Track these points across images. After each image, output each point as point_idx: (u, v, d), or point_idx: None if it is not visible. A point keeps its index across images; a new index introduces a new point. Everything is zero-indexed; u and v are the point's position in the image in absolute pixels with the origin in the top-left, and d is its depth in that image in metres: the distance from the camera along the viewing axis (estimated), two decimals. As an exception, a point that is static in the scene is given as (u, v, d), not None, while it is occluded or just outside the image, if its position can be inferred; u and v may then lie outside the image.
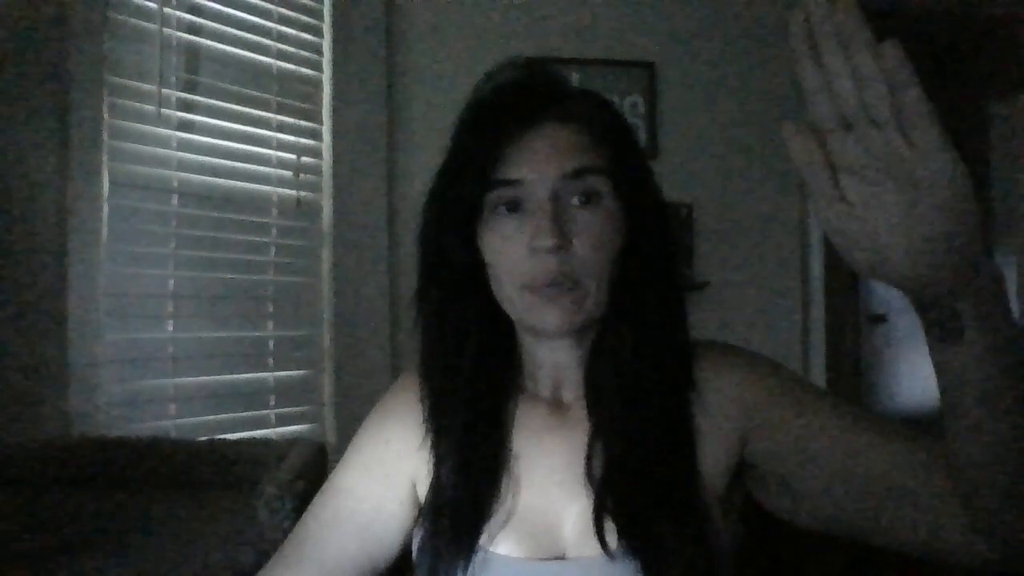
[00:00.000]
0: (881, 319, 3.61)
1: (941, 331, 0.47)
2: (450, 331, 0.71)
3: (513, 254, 0.66)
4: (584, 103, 0.70)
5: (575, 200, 0.66)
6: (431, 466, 0.72)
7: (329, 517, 0.73)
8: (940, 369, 0.50)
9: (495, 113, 0.68)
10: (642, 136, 2.22)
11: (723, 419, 0.69)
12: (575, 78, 2.10)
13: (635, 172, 0.70)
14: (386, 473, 0.74)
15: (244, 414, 1.69)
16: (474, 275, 0.70)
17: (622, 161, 0.69)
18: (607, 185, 0.67)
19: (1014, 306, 3.50)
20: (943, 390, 0.51)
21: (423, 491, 0.73)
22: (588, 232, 0.65)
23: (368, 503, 0.73)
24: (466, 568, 0.66)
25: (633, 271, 0.68)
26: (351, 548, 0.72)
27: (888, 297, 3.59)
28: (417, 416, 0.74)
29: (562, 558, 0.67)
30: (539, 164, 0.65)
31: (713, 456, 0.68)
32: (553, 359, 0.73)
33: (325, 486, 0.76)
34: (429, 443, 0.72)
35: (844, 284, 3.36)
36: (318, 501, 0.75)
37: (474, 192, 0.67)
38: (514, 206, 0.66)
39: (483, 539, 0.67)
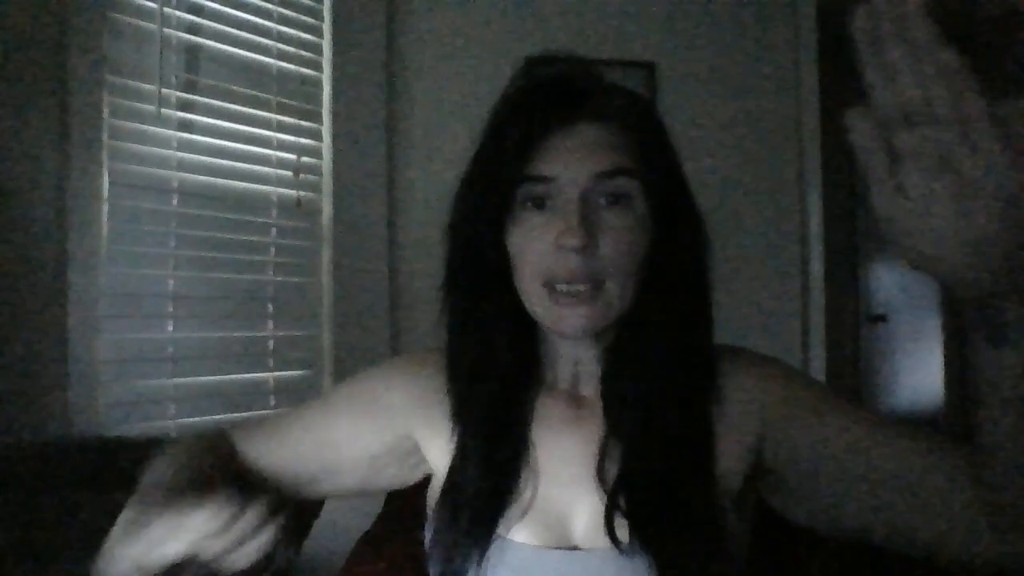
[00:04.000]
0: (881, 319, 3.60)
1: (987, 333, 0.47)
2: (478, 325, 0.71)
3: (538, 250, 0.66)
4: (619, 101, 0.69)
5: (603, 200, 0.65)
6: (452, 455, 0.72)
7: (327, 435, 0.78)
8: (979, 372, 0.49)
9: (529, 107, 0.67)
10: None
11: (741, 422, 0.68)
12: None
13: (667, 173, 0.69)
14: (377, 419, 0.78)
15: (244, 414, 1.69)
16: (501, 269, 0.69)
17: (654, 162, 0.68)
18: (637, 187, 0.66)
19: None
20: (978, 394, 0.50)
21: (434, 457, 0.74)
22: (614, 232, 0.65)
23: (354, 441, 0.77)
24: (482, 555, 0.66)
25: (660, 273, 0.68)
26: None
27: (888, 297, 3.58)
28: (424, 384, 0.76)
29: (575, 548, 0.67)
30: (572, 163, 0.65)
31: (729, 459, 0.68)
32: (573, 354, 0.73)
33: (318, 405, 0.81)
34: (452, 432, 0.73)
35: (844, 284, 3.36)
36: (309, 415, 0.80)
37: (505, 187, 0.66)
38: (541, 202, 0.66)
39: (500, 527, 0.68)
